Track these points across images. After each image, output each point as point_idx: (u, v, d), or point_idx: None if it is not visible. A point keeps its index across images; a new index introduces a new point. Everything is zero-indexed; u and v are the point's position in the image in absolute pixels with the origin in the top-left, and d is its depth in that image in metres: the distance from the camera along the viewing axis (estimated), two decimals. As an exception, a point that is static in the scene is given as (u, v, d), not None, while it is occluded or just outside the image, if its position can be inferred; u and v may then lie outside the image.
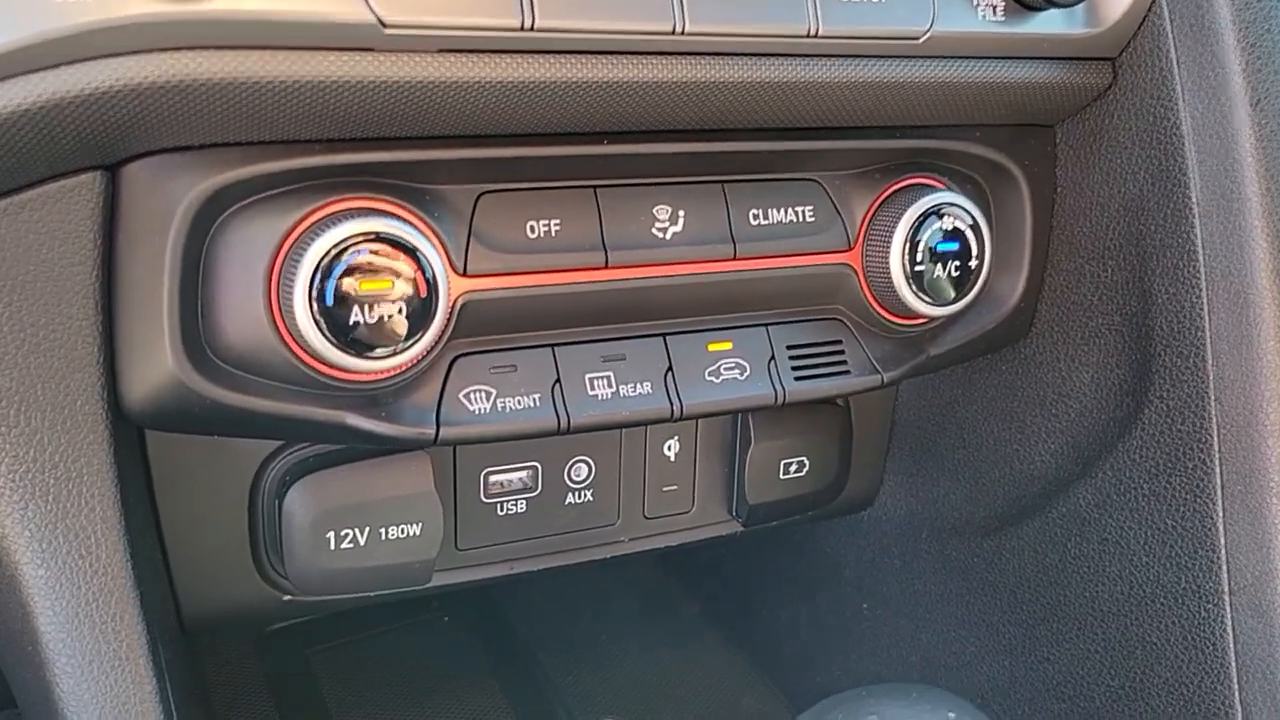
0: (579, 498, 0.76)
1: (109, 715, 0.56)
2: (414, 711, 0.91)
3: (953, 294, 0.67)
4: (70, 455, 0.54)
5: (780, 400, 0.65)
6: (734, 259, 0.64)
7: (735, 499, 0.80)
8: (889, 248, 0.66)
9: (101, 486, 0.55)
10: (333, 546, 0.67)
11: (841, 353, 0.68)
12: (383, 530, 0.68)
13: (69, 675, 0.55)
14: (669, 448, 0.79)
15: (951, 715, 0.48)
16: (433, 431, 0.58)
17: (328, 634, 0.98)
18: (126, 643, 0.57)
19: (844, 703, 0.50)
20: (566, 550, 0.77)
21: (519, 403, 0.60)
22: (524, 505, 0.75)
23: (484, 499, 0.74)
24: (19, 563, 0.55)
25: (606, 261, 0.61)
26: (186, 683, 0.65)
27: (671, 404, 0.63)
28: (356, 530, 0.67)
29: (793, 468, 0.79)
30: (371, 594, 0.72)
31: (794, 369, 0.66)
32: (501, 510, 0.74)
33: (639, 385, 0.63)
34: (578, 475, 0.76)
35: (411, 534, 0.68)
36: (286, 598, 0.71)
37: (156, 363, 0.53)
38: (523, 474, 0.74)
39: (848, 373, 0.68)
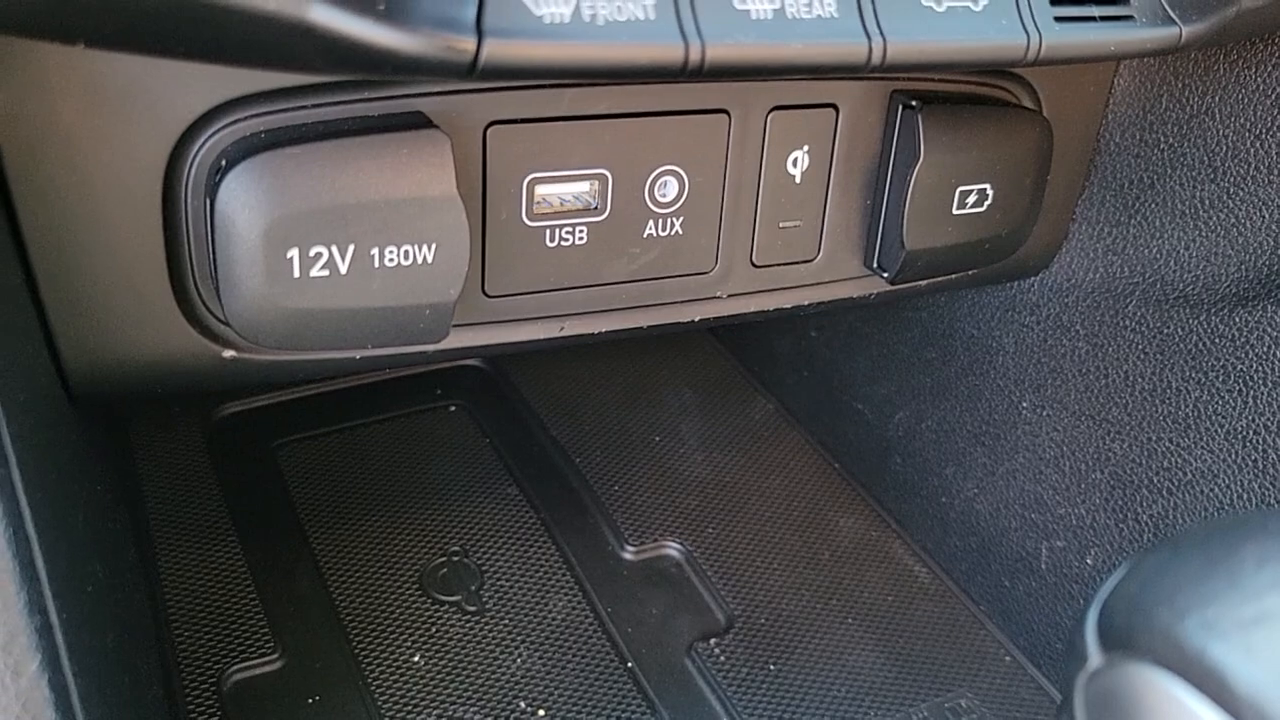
0: (663, 228, 0.52)
1: None
2: (412, 523, 0.69)
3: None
4: None
5: (1033, 52, 0.41)
6: None
7: (881, 244, 0.56)
8: None
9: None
10: (297, 273, 0.43)
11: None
12: (375, 252, 0.43)
13: None
14: (795, 162, 0.54)
15: None
16: (470, 45, 0.32)
17: (297, 424, 0.75)
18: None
19: (1197, 540, 0.27)
20: (643, 306, 0.54)
21: (618, 9, 0.34)
22: (585, 235, 0.51)
23: (527, 221, 0.49)
24: None
25: None
26: (68, 468, 0.42)
27: (869, 37, 0.38)
28: (335, 250, 0.43)
29: (970, 199, 0.55)
30: (357, 355, 0.48)
31: (1053, 4, 0.41)
32: (552, 240, 0.50)
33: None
34: (664, 194, 0.51)
35: (420, 260, 0.45)
36: (228, 354, 0.47)
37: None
38: (585, 187, 0.50)
39: (1130, 18, 0.42)
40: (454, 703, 0.61)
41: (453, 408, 0.80)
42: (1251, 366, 0.57)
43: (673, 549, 0.72)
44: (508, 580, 0.69)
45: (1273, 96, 0.55)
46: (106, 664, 0.42)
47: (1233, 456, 0.58)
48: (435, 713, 0.61)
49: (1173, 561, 0.30)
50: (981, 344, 0.70)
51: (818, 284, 0.60)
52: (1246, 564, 0.29)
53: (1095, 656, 0.29)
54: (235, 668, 0.61)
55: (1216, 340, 0.58)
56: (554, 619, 0.67)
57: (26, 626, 0.35)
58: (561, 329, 0.54)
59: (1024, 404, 0.68)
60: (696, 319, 0.57)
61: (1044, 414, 0.67)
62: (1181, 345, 0.60)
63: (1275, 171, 0.55)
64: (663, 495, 0.75)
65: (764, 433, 0.80)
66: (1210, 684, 0.27)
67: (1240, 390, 0.58)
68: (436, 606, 0.66)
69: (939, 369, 0.73)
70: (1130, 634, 0.28)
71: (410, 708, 0.60)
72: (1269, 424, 0.57)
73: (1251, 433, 0.57)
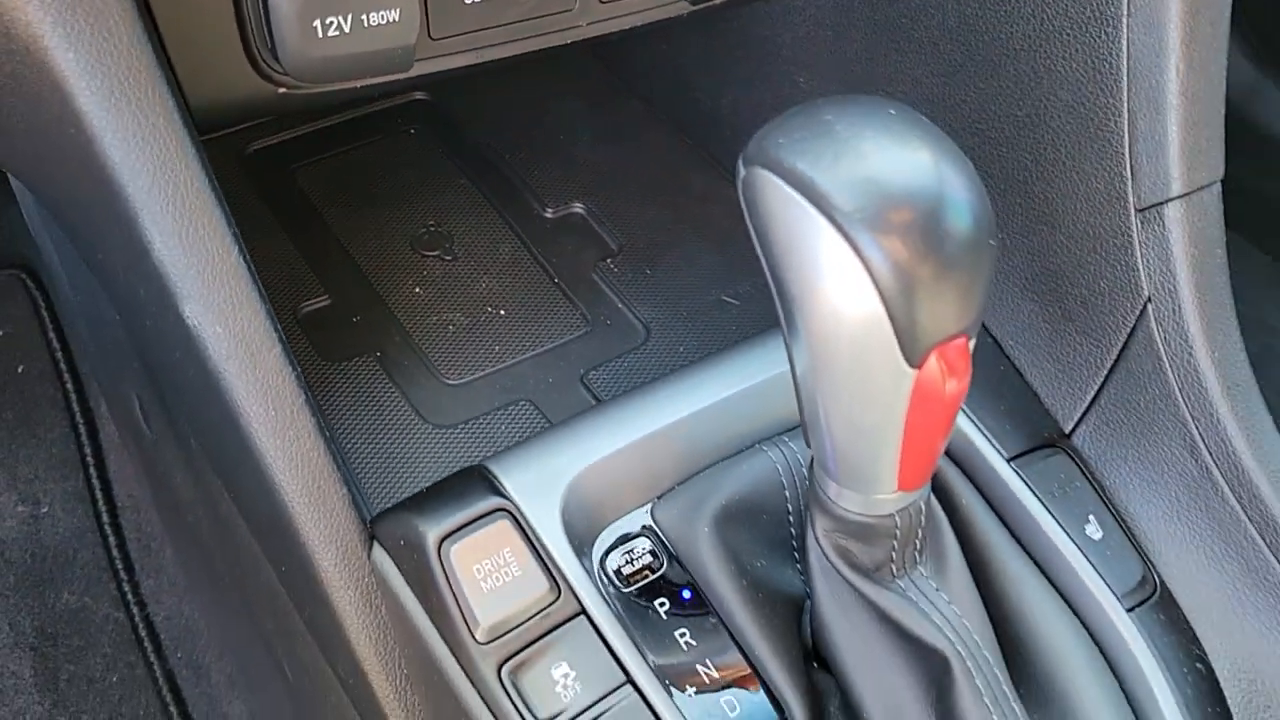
0: (538, -15, 0.81)
1: (161, 184, 0.63)
2: (399, 209, 1.01)
3: None
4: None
5: None
6: None
7: (681, -23, 0.85)
8: None
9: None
10: (320, 35, 0.71)
11: None
12: (364, 17, 0.72)
13: (116, 148, 0.62)
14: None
15: (892, 111, 0.58)
16: None
17: (306, 152, 1.05)
18: (168, 124, 0.63)
19: (802, 110, 0.59)
20: (531, 36, 0.83)
21: None
22: (488, -7, 0.80)
23: (452, -11, 0.78)
24: (48, 48, 0.60)
25: None
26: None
27: None
28: (340, 18, 0.72)
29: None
30: (359, 83, 0.78)
31: None
32: (468, -1, 0.79)
33: None
34: (533, -38, 0.80)
35: (391, 19, 0.73)
36: (281, 90, 0.76)
37: None
38: (485, -38, 0.78)
39: None
40: (443, 310, 0.94)
41: (412, 130, 1.10)
42: (923, 33, 0.88)
43: (578, 208, 1.04)
44: (469, 238, 1.00)
45: None
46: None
47: (918, 96, 0.91)
48: (434, 318, 0.94)
49: (795, 116, 0.61)
50: (769, 41, 1.00)
51: (643, 10, 0.89)
52: (830, 116, 0.60)
53: (742, 170, 0.62)
54: (304, 304, 0.94)
55: (902, 19, 0.89)
56: (503, 258, 0.99)
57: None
58: (480, 56, 0.83)
59: (800, 79, 1.00)
60: (569, 40, 0.87)
61: (813, 84, 0.99)
62: (884, 23, 0.91)
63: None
64: (568, 173, 1.06)
65: (635, 125, 1.12)
66: (796, 180, 0.59)
67: (919, 49, 0.89)
68: (423, 258, 0.98)
69: (743, 61, 1.03)
70: (758, 154, 0.60)
71: (418, 316, 0.94)
72: (936, 70, 0.89)
73: (925, 79, 0.90)
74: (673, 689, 0.66)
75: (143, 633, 1.33)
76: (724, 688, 0.69)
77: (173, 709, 1.29)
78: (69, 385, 1.51)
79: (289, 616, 0.83)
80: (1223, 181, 0.78)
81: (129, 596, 1.36)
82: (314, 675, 0.85)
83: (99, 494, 1.43)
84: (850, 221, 0.53)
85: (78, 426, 1.48)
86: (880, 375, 0.56)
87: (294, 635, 0.85)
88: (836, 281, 0.54)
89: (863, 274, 0.53)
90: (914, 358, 0.55)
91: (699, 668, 0.69)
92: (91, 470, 1.45)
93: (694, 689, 0.68)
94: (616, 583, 0.71)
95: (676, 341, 0.91)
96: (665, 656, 0.68)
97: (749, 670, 0.70)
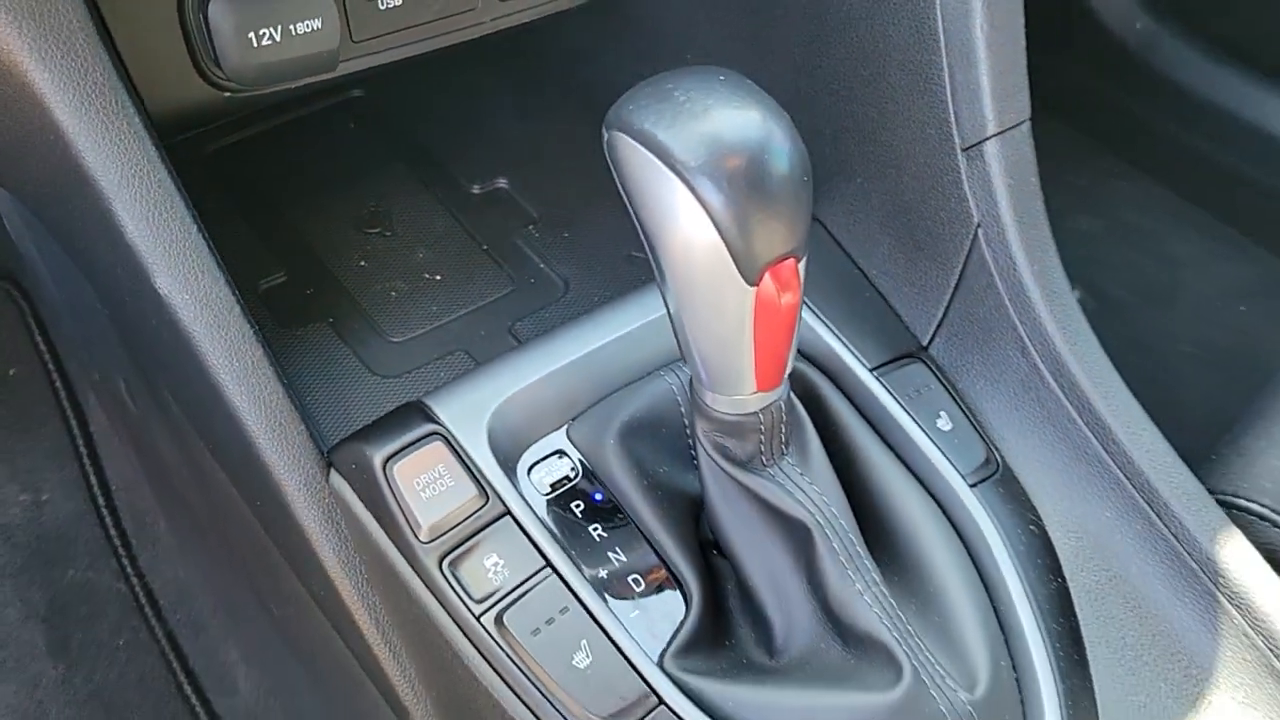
0: (443, -12, 0.94)
1: (128, 177, 0.76)
2: (343, 194, 1.13)
3: None
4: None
5: None
6: None
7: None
8: None
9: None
10: (255, 45, 0.84)
11: None
12: (292, 27, 0.85)
13: (89, 150, 0.75)
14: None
15: (721, 78, 0.71)
16: None
17: (259, 150, 1.18)
18: (130, 128, 0.76)
19: (650, 81, 0.72)
20: (440, 34, 0.96)
21: None
22: (400, 1, 0.92)
23: (365, -2, 0.91)
24: (26, 71, 0.73)
25: None
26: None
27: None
28: (271, 29, 0.84)
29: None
30: (294, 84, 0.90)
31: None
32: (383, 5, 0.92)
33: None
34: (437, -29, 0.93)
35: (315, 27, 0.86)
36: (227, 95, 0.89)
37: None
38: (392, -27, 0.91)
39: None
40: (386, 279, 1.07)
41: (351, 125, 1.22)
42: None
43: (502, 183, 1.16)
44: (406, 215, 1.12)
45: None
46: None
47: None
48: (378, 287, 1.07)
49: (644, 86, 0.73)
50: (658, 23, 1.13)
51: (540, 4, 1.02)
52: (671, 85, 0.73)
53: (605, 134, 0.74)
54: (262, 281, 1.06)
55: None
56: (436, 231, 1.11)
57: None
58: (396, 55, 0.96)
59: (688, 56, 1.13)
60: (475, 35, 0.99)
61: (701, 60, 1.12)
62: None
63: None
64: (492, 152, 1.18)
65: (551, 106, 1.24)
66: (646, 139, 0.72)
67: None
68: (367, 235, 1.10)
69: (637, 42, 1.16)
70: (615, 121, 0.71)
71: (363, 285, 1.06)
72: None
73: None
74: (585, 569, 0.80)
75: (143, 599, 1.46)
76: (633, 571, 0.82)
77: (174, 663, 1.42)
78: (58, 384, 1.63)
79: (267, 553, 0.96)
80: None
81: (128, 569, 1.49)
82: (294, 603, 0.98)
83: (94, 480, 1.56)
84: (690, 171, 0.66)
85: (69, 421, 1.61)
86: (727, 294, 0.69)
87: (273, 570, 0.98)
88: (684, 221, 0.67)
89: (703, 213, 0.66)
90: (751, 277, 0.68)
91: (610, 554, 0.82)
92: (85, 459, 1.57)
93: (605, 571, 0.81)
94: (539, 490, 0.84)
95: (591, 293, 1.04)
96: (580, 547, 0.81)
97: (655, 558, 0.83)
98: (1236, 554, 0.81)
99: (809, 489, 0.79)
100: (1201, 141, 2.26)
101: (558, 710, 0.73)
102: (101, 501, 1.54)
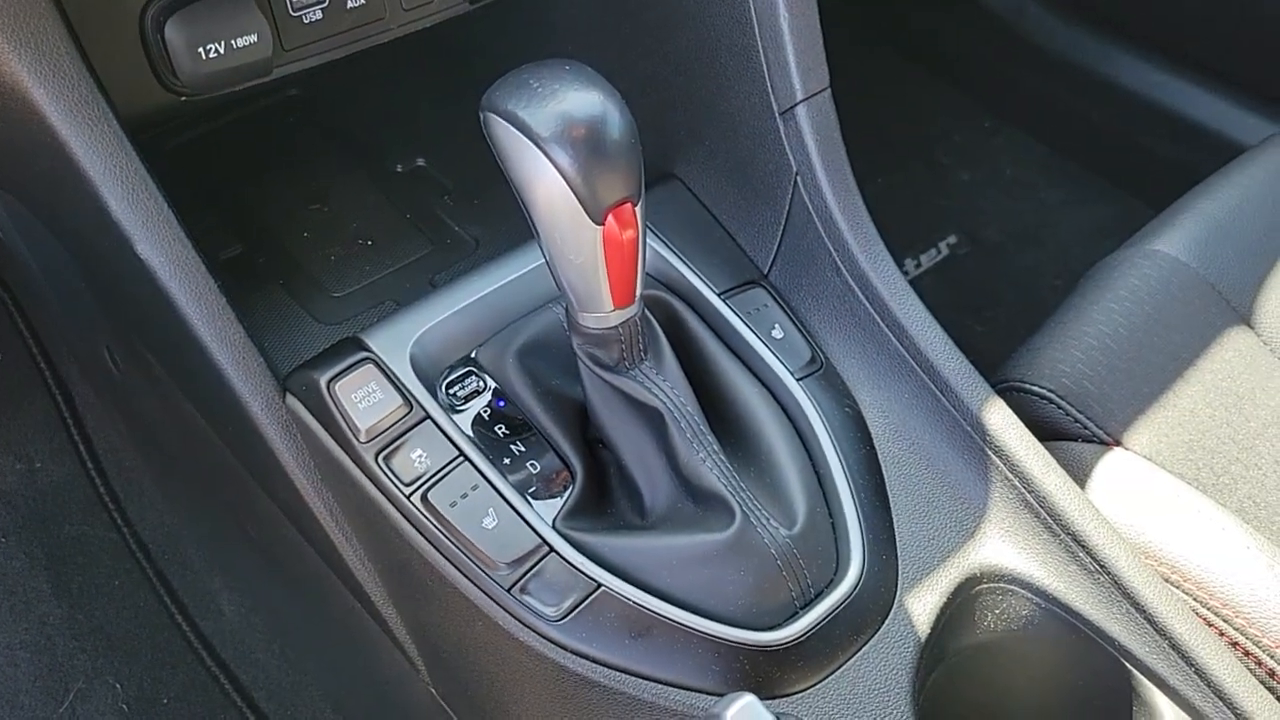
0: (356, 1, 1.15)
1: (111, 166, 0.97)
2: (288, 178, 1.33)
3: None
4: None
5: None
6: None
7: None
8: None
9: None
10: (204, 58, 1.04)
11: None
12: (233, 41, 1.05)
13: (79, 147, 0.95)
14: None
15: (568, 68, 0.92)
16: None
17: (213, 144, 1.37)
18: (110, 129, 0.96)
19: (513, 72, 0.93)
20: (357, 40, 1.17)
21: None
22: (320, 14, 1.13)
23: (291, 12, 1.11)
24: (27, 88, 0.93)
25: None
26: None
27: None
28: (216, 44, 1.04)
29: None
30: (239, 87, 1.11)
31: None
32: (306, 19, 1.12)
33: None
34: (352, -15, 1.13)
35: (252, 41, 1.06)
36: (183, 98, 1.09)
37: None
38: (315, -11, 1.11)
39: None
40: (326, 245, 1.27)
41: (292, 119, 1.43)
42: None
43: (421, 162, 1.36)
44: (342, 193, 1.29)
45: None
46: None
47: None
48: (320, 253, 1.28)
49: (509, 76, 0.94)
50: (545, 21, 1.34)
51: (439, 12, 1.23)
52: (528, 75, 0.95)
53: (481, 116, 0.96)
54: (221, 253, 1.26)
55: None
56: (368, 205, 1.30)
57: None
58: (321, 59, 1.17)
59: (569, 48, 1.34)
60: (386, 39, 1.20)
61: (581, 53, 1.33)
62: None
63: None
64: (413, 136, 1.38)
65: (463, 95, 1.45)
66: (511, 118, 0.93)
67: None
68: (308, 211, 1.28)
69: (529, 37, 1.37)
70: (488, 104, 0.92)
71: (308, 251, 1.27)
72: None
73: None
74: (492, 458, 1.01)
75: (134, 545, 1.66)
76: (530, 459, 1.04)
77: (165, 597, 1.63)
78: (43, 364, 1.82)
79: (241, 481, 1.17)
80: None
81: (119, 520, 1.69)
82: (266, 521, 1.20)
83: (82, 446, 1.76)
84: (545, 141, 0.85)
85: (55, 396, 1.80)
86: (581, 233, 0.90)
87: (247, 493, 1.19)
88: (542, 179, 0.86)
89: (556, 173, 0.88)
90: (597, 218, 0.89)
91: (512, 446, 1.04)
92: (72, 428, 1.77)
93: (508, 459, 1.03)
94: (453, 401, 1.06)
95: (497, 250, 1.26)
96: (487, 442, 1.03)
97: (548, 449, 1.05)
98: (1000, 419, 1.05)
99: (662, 384, 1.01)
100: (1066, 97, 2.51)
101: (472, 561, 0.95)
102: (90, 465, 1.74)
